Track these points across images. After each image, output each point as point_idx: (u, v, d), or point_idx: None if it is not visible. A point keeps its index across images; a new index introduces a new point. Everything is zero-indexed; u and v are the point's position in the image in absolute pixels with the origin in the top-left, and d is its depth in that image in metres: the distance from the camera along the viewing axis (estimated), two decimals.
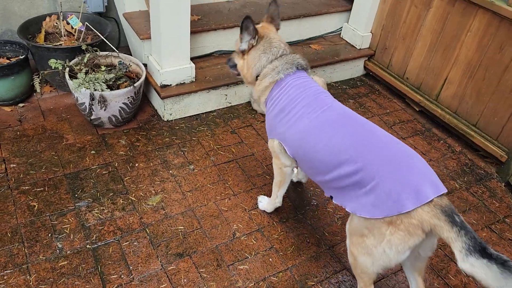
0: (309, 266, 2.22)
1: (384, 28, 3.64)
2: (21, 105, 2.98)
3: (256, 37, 2.07)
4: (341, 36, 3.93)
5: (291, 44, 3.70)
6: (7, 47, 3.02)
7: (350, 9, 3.81)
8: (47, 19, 3.17)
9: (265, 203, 2.47)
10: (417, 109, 3.50)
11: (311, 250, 2.30)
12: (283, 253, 2.26)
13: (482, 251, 1.44)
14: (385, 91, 3.75)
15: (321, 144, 1.84)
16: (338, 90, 3.67)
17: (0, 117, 2.86)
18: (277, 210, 2.48)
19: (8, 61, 2.92)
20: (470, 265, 1.44)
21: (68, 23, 3.22)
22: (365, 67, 3.88)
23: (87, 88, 2.54)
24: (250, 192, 2.60)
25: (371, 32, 3.76)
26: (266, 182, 2.68)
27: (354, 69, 3.83)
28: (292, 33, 3.70)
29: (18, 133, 2.76)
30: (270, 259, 2.22)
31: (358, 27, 3.76)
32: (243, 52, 2.14)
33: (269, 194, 2.58)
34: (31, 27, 3.09)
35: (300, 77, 2.05)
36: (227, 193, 2.57)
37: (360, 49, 3.78)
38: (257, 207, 2.50)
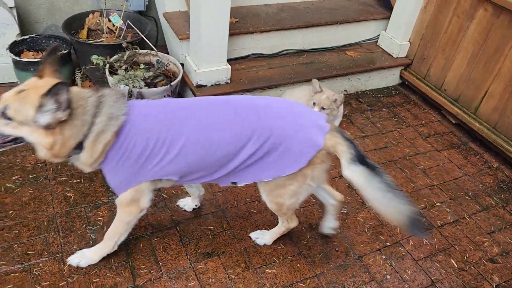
0: (337, 274, 2.19)
1: (423, 38, 3.57)
2: None
3: (69, 110, 1.54)
4: (377, 44, 3.89)
5: (326, 50, 3.68)
6: (51, 42, 3.12)
7: (389, 17, 3.77)
8: (90, 16, 3.26)
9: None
10: (454, 122, 3.42)
11: (339, 258, 2.28)
12: (311, 260, 2.24)
13: (361, 160, 1.77)
14: (420, 102, 3.67)
15: (215, 140, 1.72)
16: (372, 98, 3.62)
17: None
18: (306, 216, 2.47)
19: None
20: (351, 171, 1.77)
21: (109, 21, 3.30)
22: (401, 76, 3.82)
23: (126, 85, 2.59)
24: None
25: (409, 41, 3.70)
26: None
27: (389, 78, 3.78)
28: (329, 39, 3.68)
29: None
30: (298, 265, 2.21)
31: (396, 36, 3.70)
32: (48, 126, 1.55)
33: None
34: (74, 23, 3.18)
35: (137, 106, 1.76)
36: (257, 196, 2.57)
37: (397, 57, 3.73)
38: None
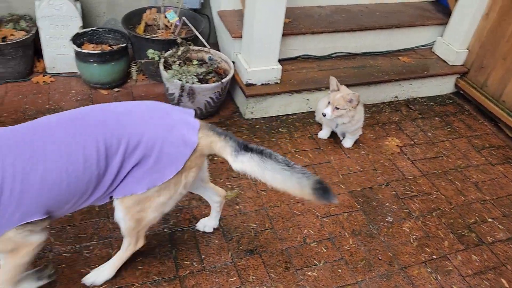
0: (379, 283, 2.14)
1: (482, 46, 3.42)
2: (116, 89, 3.19)
3: None
4: (432, 50, 3.76)
5: (378, 54, 3.61)
6: (110, 35, 3.25)
7: (446, 23, 3.64)
8: (147, 11, 3.36)
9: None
10: (511, 135, 3.26)
11: (382, 267, 2.22)
12: (353, 266, 2.21)
13: (245, 148, 1.68)
14: (475, 112, 3.52)
15: (79, 160, 1.50)
16: (424, 106, 3.51)
17: (98, 98, 3.09)
18: (349, 222, 2.44)
19: (110, 48, 3.14)
20: (241, 162, 1.68)
21: (165, 17, 3.39)
22: (456, 85, 3.68)
23: (179, 80, 2.65)
24: None
25: (467, 49, 3.55)
26: (340, 192, 2.63)
27: (443, 86, 3.65)
28: (382, 43, 3.60)
29: None
30: (339, 270, 2.18)
31: (453, 42, 3.57)
32: None
33: (343, 203, 2.54)
34: (133, 18, 3.30)
35: None
36: (300, 197, 2.56)
37: (453, 65, 3.59)
38: (331, 216, 2.47)
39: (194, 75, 2.68)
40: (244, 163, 1.68)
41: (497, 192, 2.78)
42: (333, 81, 2.71)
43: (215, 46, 3.62)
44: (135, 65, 2.84)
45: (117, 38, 3.24)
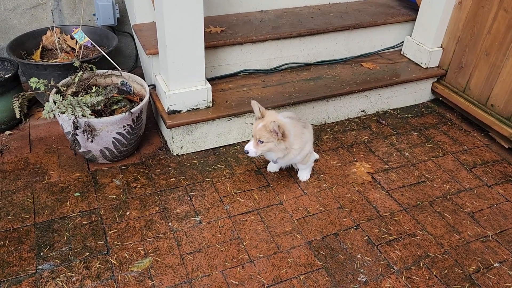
0: None
1: (459, 41, 2.84)
2: (7, 133, 2.51)
3: None
4: (401, 53, 3.18)
5: (337, 62, 3.00)
6: None
7: (414, 19, 3.07)
8: (48, 33, 2.73)
9: None
10: (507, 146, 2.64)
11: None
12: None
13: None
14: (460, 122, 2.91)
15: None
16: (398, 119, 2.89)
17: None
18: (308, 287, 1.76)
19: None
20: None
21: (72, 38, 2.77)
22: (433, 91, 3.08)
23: (62, 113, 1.99)
24: (272, 257, 1.89)
25: (441, 47, 2.97)
26: (295, 244, 1.96)
27: (418, 93, 3.05)
28: (339, 49, 3.00)
29: None
30: None
31: (425, 41, 2.99)
32: None
33: (299, 261, 1.86)
34: (27, 42, 2.66)
35: None
36: (241, 258, 1.88)
37: (427, 68, 3.00)
38: (282, 281, 1.78)
39: (88, 106, 2.02)
40: None
41: (500, 223, 2.14)
42: (255, 106, 2.01)
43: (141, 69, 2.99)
44: (17, 100, 2.17)
45: (7, 68, 2.58)
